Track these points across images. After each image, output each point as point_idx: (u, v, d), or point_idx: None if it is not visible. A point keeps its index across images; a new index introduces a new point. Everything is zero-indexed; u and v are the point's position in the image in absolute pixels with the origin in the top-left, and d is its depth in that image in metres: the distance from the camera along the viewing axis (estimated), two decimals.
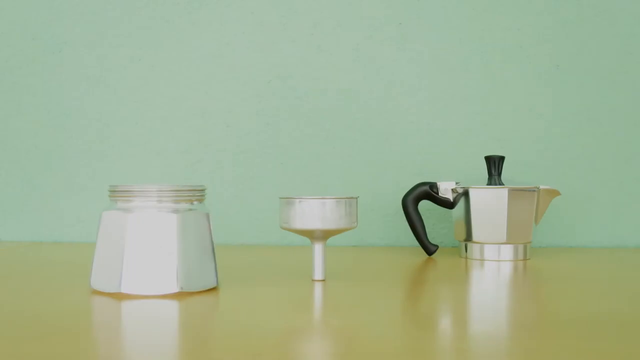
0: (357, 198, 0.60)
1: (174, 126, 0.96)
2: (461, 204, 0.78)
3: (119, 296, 0.52)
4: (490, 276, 0.64)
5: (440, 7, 0.94)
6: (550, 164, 0.94)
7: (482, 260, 0.76)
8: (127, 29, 0.97)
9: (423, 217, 0.88)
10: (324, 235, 0.59)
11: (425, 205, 0.92)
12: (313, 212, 0.57)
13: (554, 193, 0.79)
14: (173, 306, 0.48)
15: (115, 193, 0.54)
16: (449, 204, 0.79)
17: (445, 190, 0.79)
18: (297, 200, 0.58)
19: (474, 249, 0.77)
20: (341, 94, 0.95)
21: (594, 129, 0.94)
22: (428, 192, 0.79)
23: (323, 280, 0.60)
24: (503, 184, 0.76)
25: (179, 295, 0.52)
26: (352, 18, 0.95)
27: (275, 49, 0.96)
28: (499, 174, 0.79)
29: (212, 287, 0.55)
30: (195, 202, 0.55)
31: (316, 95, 0.95)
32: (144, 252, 0.52)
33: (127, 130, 0.97)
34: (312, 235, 0.59)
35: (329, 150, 0.95)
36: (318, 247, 0.60)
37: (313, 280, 0.60)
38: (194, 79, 0.96)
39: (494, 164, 0.79)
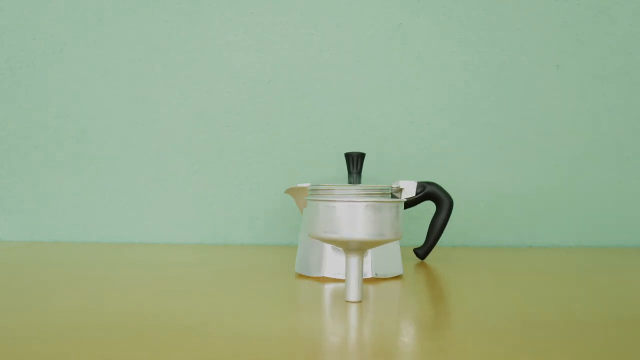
0: (403, 202, 0.50)
1: (174, 126, 0.96)
2: None
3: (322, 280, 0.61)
4: None
5: (440, 7, 0.94)
6: (552, 163, 0.94)
7: None
8: (127, 29, 0.97)
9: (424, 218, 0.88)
10: (361, 246, 0.49)
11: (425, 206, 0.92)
12: (350, 218, 0.47)
13: None
14: (367, 289, 0.56)
15: (316, 192, 0.60)
16: None
17: None
18: (329, 202, 0.48)
19: None
20: (341, 94, 0.95)
21: (594, 129, 0.94)
22: None
23: (359, 301, 0.50)
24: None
25: (372, 280, 0.60)
26: (352, 18, 0.95)
27: (275, 49, 0.96)
28: None
29: (399, 274, 0.63)
30: None
31: (316, 95, 0.95)
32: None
33: (127, 130, 0.97)
34: (346, 246, 0.49)
35: (329, 151, 0.95)
36: (353, 262, 0.49)
37: (346, 302, 0.50)
38: (194, 79, 0.96)
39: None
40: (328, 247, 0.61)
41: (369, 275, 0.60)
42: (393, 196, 0.68)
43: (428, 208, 0.93)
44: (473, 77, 0.94)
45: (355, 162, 0.71)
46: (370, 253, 0.61)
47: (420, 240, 0.93)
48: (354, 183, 0.67)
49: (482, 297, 0.52)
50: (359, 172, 0.71)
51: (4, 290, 0.55)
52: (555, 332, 0.40)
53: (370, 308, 0.48)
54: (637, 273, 0.66)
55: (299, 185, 0.67)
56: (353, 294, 0.50)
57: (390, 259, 0.62)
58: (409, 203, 0.71)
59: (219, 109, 0.96)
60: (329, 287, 0.56)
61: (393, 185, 0.68)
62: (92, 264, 0.71)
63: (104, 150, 0.97)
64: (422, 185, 0.71)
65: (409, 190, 0.70)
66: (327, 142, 0.95)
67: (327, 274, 0.61)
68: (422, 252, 0.75)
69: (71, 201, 0.97)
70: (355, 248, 0.49)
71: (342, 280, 0.60)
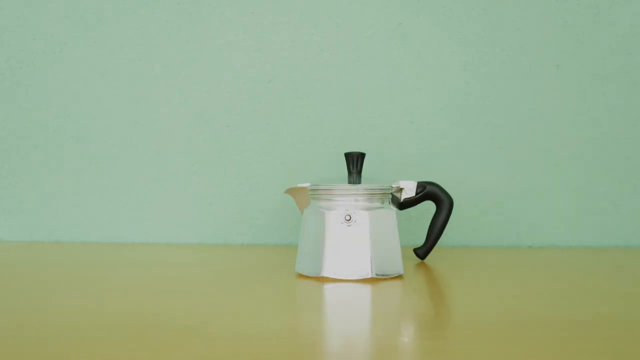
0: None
1: (174, 126, 0.96)
2: None
3: (322, 279, 0.61)
4: None
5: (440, 7, 0.94)
6: (552, 163, 0.94)
7: None
8: (127, 29, 0.97)
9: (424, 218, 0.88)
10: None
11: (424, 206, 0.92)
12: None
13: None
14: (367, 289, 0.56)
15: (317, 192, 0.63)
16: None
17: None
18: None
19: None
20: (341, 94, 0.95)
21: (594, 129, 0.94)
22: None
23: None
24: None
25: (372, 280, 0.60)
26: (352, 18, 0.95)
27: (275, 49, 0.96)
28: None
29: (399, 274, 0.63)
30: (385, 202, 0.64)
31: (316, 95, 0.95)
32: (342, 243, 0.61)
33: (127, 130, 0.97)
34: None
35: (329, 150, 0.95)
36: None
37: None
38: (194, 79, 0.96)
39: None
40: (328, 247, 0.61)
41: (369, 275, 0.60)
42: (393, 196, 0.68)
43: (428, 208, 0.93)
44: (473, 77, 0.94)
45: (355, 162, 0.71)
46: (370, 253, 0.61)
47: (420, 240, 0.93)
48: (354, 183, 0.67)
49: (482, 297, 0.52)
50: (359, 172, 0.71)
51: (4, 290, 0.55)
52: (555, 332, 0.40)
53: (371, 308, 0.48)
54: (637, 273, 0.66)
55: (299, 185, 0.67)
56: None
57: (391, 258, 0.62)
58: (409, 203, 0.71)
59: (219, 109, 0.96)
60: (328, 287, 0.56)
61: (393, 185, 0.69)
62: (92, 264, 0.71)
63: (104, 150, 0.97)
64: (422, 185, 0.72)
65: (409, 190, 0.71)
66: (327, 142, 0.95)
67: (327, 274, 0.61)
68: (422, 252, 0.75)
69: (71, 201, 0.97)
70: None
71: (342, 280, 0.60)
